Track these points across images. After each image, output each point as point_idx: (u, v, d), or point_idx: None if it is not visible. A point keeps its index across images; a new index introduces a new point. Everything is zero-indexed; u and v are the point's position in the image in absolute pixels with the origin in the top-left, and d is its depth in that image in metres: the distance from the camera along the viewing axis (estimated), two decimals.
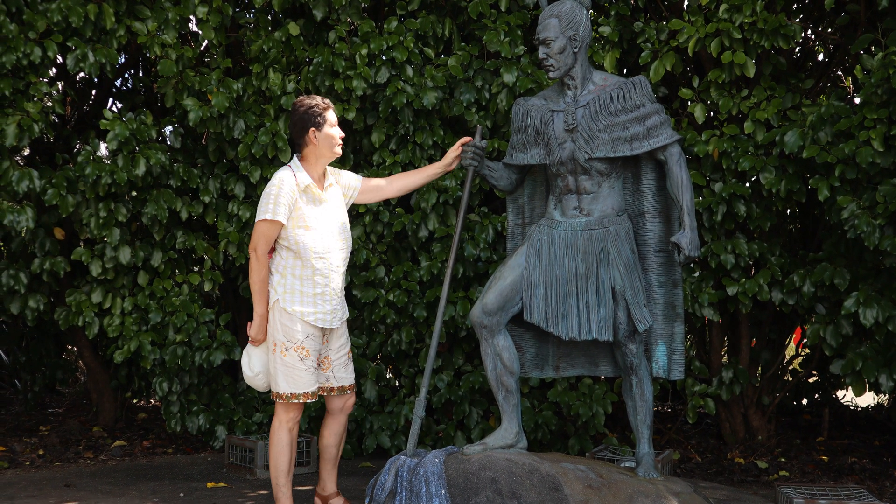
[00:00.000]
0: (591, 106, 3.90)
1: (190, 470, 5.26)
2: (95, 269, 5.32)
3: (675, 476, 4.85)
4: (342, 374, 4.12)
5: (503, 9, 5.15)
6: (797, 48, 5.55)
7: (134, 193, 5.34)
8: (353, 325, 5.50)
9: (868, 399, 7.75)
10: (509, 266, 3.99)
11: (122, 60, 6.09)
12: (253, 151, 5.22)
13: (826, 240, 5.03)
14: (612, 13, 5.11)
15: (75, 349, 7.18)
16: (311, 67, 5.22)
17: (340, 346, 4.12)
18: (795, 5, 5.38)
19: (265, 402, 5.64)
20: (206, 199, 5.40)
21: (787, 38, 4.75)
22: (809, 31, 5.49)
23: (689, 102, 5.06)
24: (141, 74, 6.39)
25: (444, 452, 3.89)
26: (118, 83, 6.41)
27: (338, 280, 4.02)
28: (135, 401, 7.09)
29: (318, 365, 4.06)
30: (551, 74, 3.94)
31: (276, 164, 5.26)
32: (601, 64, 5.01)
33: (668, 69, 4.94)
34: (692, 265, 5.11)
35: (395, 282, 5.28)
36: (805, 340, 5.33)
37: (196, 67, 5.51)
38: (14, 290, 5.40)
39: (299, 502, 4.24)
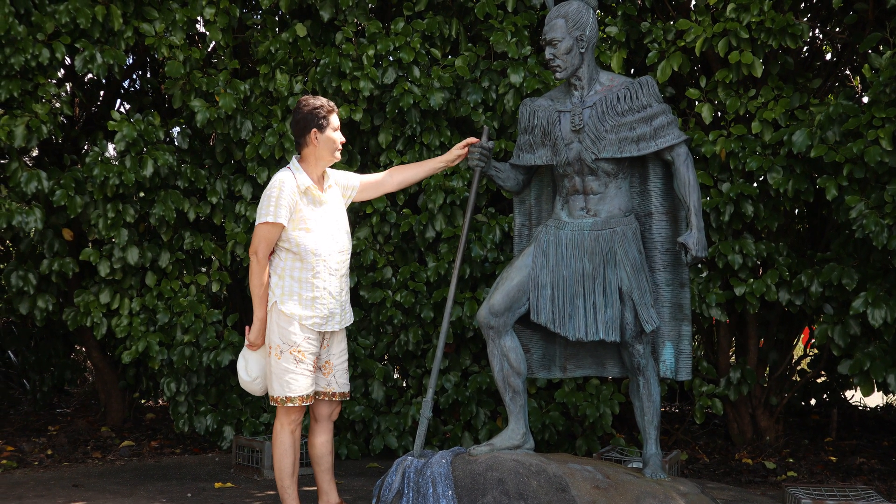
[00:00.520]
0: (598, 106, 3.90)
1: (198, 470, 5.27)
2: (104, 270, 5.34)
3: (683, 477, 4.84)
4: (343, 379, 4.11)
5: (510, 9, 5.15)
6: (805, 47, 5.53)
7: (142, 194, 5.35)
8: (360, 326, 5.51)
9: (876, 399, 7.73)
10: (516, 267, 3.99)
11: (130, 62, 6.11)
12: (260, 152, 5.23)
13: (834, 240, 5.02)
14: (619, 13, 5.10)
15: (84, 349, 7.21)
16: (318, 68, 5.23)
17: (342, 350, 4.11)
18: (803, 4, 5.36)
19: None
20: (214, 200, 5.41)
21: (794, 38, 4.74)
22: (817, 31, 5.47)
23: (697, 102, 5.05)
24: (148, 76, 6.41)
25: (451, 453, 3.89)
26: (126, 84, 6.44)
27: (337, 283, 3.99)
28: (143, 401, 7.11)
29: (319, 369, 4.04)
30: (558, 75, 3.94)
31: (283, 165, 5.26)
32: (608, 64, 5.01)
33: (676, 69, 4.93)
34: (699, 266, 5.10)
35: (403, 282, 5.29)
36: (813, 341, 5.31)
37: (203, 69, 5.52)
38: (23, 290, 5.42)
39: (305, 503, 4.24)
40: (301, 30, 5.29)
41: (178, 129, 5.60)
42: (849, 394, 7.18)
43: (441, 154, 5.27)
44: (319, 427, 4.10)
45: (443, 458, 3.82)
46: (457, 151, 4.25)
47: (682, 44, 4.93)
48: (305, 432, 4.92)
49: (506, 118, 5.19)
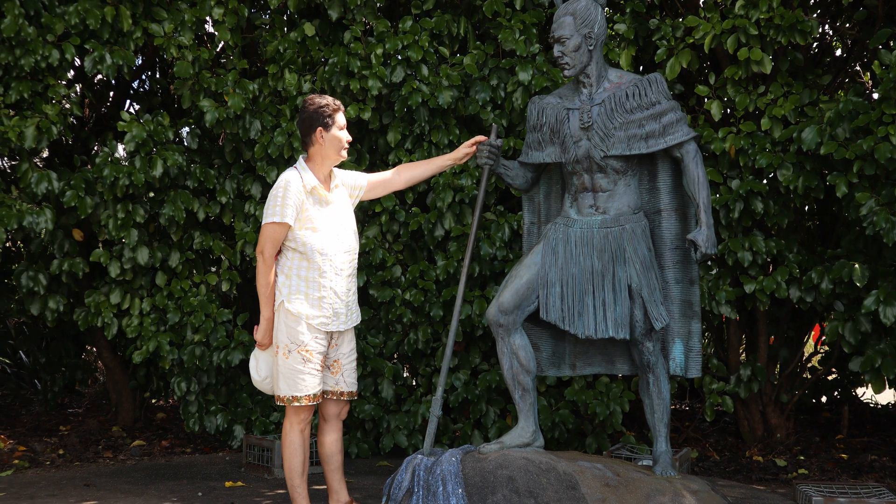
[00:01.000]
0: (607, 104, 3.89)
1: (208, 469, 5.28)
2: (114, 270, 5.36)
3: (693, 474, 4.83)
4: (351, 379, 4.11)
5: (518, 7, 5.14)
6: (814, 44, 5.51)
7: (151, 194, 5.37)
8: (370, 325, 5.51)
9: (888, 396, 7.70)
10: (525, 265, 3.98)
11: (139, 62, 6.13)
12: (269, 152, 5.24)
13: (844, 236, 5.00)
14: (628, 10, 5.09)
15: (94, 350, 7.24)
16: (326, 67, 5.23)
17: (351, 350, 4.11)
18: (812, 0, 5.34)
19: None
20: (223, 200, 5.43)
21: (804, 34, 4.72)
22: (827, 27, 5.45)
23: (706, 99, 5.04)
24: (158, 76, 6.43)
25: (460, 451, 3.90)
26: (135, 85, 6.46)
27: (343, 283, 3.99)
28: (153, 401, 7.14)
29: (328, 368, 4.04)
30: (566, 72, 3.93)
31: (292, 164, 5.24)
32: (617, 61, 5.00)
33: (684, 66, 4.92)
34: (709, 263, 5.09)
35: (412, 281, 5.29)
36: (823, 338, 5.30)
37: (212, 69, 5.53)
38: (34, 291, 5.45)
39: (316, 502, 4.25)
40: (309, 29, 5.29)
41: (187, 129, 5.61)
42: (860, 391, 7.15)
43: (449, 152, 5.28)
44: (328, 426, 4.10)
45: (453, 457, 3.82)
46: (465, 149, 4.24)
47: (691, 41, 4.92)
48: (315, 431, 4.93)
49: (514, 116, 5.18)
